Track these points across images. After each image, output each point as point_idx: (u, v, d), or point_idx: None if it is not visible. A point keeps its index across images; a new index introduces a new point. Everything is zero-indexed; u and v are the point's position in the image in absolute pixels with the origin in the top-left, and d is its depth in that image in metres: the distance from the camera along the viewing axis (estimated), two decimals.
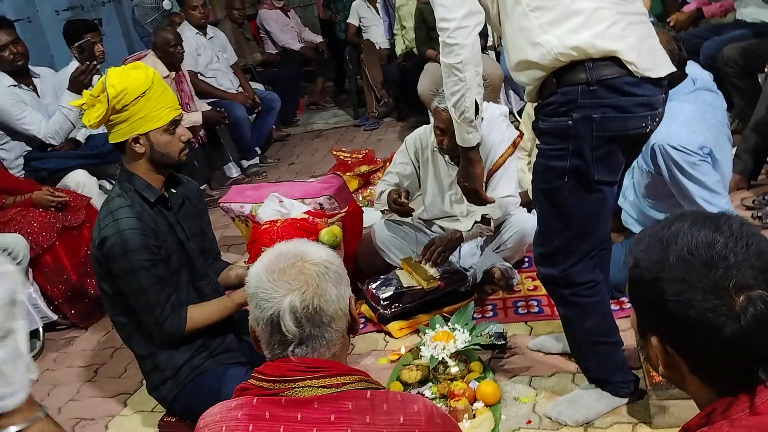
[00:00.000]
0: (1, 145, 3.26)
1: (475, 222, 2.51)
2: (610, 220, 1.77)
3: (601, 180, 1.58)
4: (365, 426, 0.97)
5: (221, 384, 1.87)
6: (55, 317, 2.89)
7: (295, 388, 1.00)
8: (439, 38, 1.59)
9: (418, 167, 2.73)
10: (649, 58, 1.54)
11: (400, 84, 5.27)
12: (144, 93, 1.81)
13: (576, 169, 1.56)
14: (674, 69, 1.63)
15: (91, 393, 2.46)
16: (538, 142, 1.66)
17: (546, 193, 1.64)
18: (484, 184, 1.90)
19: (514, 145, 2.48)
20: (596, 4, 1.49)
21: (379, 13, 5.73)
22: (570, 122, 1.53)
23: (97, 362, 2.64)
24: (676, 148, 2.07)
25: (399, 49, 5.36)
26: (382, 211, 2.81)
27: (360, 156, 4.14)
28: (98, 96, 1.84)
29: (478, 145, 1.75)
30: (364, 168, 4.00)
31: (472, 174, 1.79)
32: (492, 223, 2.53)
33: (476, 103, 1.63)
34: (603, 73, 1.49)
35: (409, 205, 2.58)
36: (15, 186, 3.02)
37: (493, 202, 1.93)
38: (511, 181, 2.55)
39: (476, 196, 1.86)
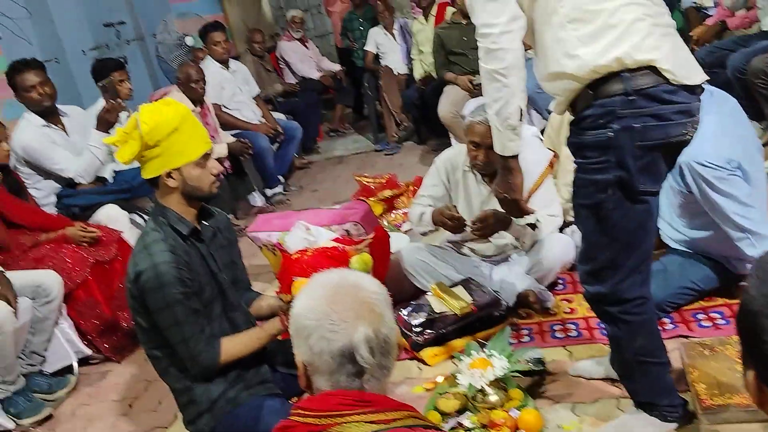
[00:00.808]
0: (34, 183, 3.31)
1: (526, 224, 2.47)
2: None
3: (645, 190, 1.56)
4: None
5: (258, 416, 1.85)
6: (89, 352, 2.91)
7: (343, 423, 0.97)
8: (480, 45, 1.56)
9: (449, 188, 2.71)
10: (684, 66, 1.54)
11: (419, 108, 5.30)
12: (176, 128, 1.83)
13: (619, 180, 1.54)
14: (707, 77, 1.62)
15: (127, 427, 2.45)
16: (575, 158, 1.63)
17: (589, 209, 1.62)
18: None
19: (551, 165, 2.46)
20: (634, 16, 1.50)
21: (396, 39, 5.78)
22: (611, 134, 1.51)
23: (131, 396, 2.64)
24: (703, 165, 2.05)
25: (417, 73, 5.40)
26: (423, 234, 2.76)
27: (383, 181, 4.14)
28: (130, 133, 1.87)
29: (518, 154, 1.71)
30: (387, 192, 4.00)
31: (512, 183, 1.73)
32: (536, 232, 2.46)
33: (520, 110, 1.60)
34: (640, 82, 1.49)
35: (462, 220, 2.52)
36: (48, 223, 3.06)
37: (534, 212, 1.87)
38: (553, 201, 2.53)
39: (516, 207, 1.79)
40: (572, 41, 1.51)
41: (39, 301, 2.73)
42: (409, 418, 1.00)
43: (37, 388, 2.70)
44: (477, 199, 2.65)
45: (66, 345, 2.84)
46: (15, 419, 2.53)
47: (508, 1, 1.53)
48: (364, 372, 1.01)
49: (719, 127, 2.11)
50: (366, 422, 0.97)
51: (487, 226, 2.43)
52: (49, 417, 2.60)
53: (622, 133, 1.50)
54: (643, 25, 1.50)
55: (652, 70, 1.50)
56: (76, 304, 2.90)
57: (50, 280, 2.75)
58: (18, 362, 2.64)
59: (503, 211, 2.26)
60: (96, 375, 2.86)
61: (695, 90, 1.56)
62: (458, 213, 2.51)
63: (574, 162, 1.65)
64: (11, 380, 2.57)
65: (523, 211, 1.82)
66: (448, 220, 2.51)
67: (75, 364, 2.84)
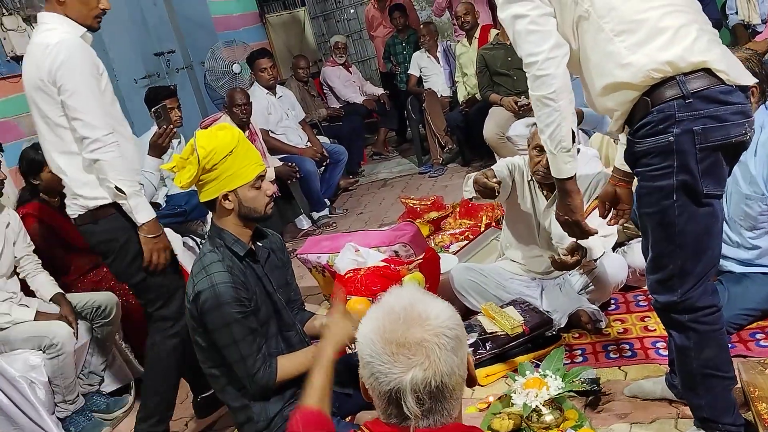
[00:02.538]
0: None
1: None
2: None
3: (709, 193, 1.56)
4: None
5: None
6: None
7: None
8: (528, 73, 1.62)
9: (514, 185, 2.66)
10: (736, 66, 1.56)
11: (463, 129, 5.31)
12: (231, 152, 1.89)
13: (684, 185, 1.54)
14: (756, 80, 1.66)
15: None
16: (636, 168, 1.63)
17: (655, 216, 1.61)
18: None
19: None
20: (680, 22, 1.53)
21: (439, 62, 5.84)
22: (671, 138, 1.52)
23: (186, 415, 2.69)
24: None
25: (461, 95, 5.42)
26: (469, 199, 2.67)
27: (429, 203, 4.16)
28: (188, 158, 1.93)
29: (575, 175, 1.73)
30: (434, 214, 4.01)
31: (572, 206, 1.76)
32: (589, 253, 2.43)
33: (572, 132, 1.64)
34: (696, 85, 1.51)
35: (495, 189, 2.42)
36: None
37: (597, 232, 1.87)
38: (605, 223, 2.49)
39: (578, 229, 1.81)
40: (622, 52, 1.54)
41: (98, 322, 2.82)
42: None
43: (96, 408, 2.77)
44: (538, 211, 2.63)
45: (124, 365, 2.92)
46: None
47: (550, 31, 1.59)
48: (410, 417, 0.98)
49: None
50: None
51: (567, 267, 2.38)
52: None
53: (682, 136, 1.51)
54: (692, 29, 1.53)
55: (707, 71, 1.51)
56: (133, 325, 2.97)
57: (109, 301, 2.85)
58: (78, 382, 2.72)
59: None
60: None
61: (747, 91, 1.57)
62: (495, 183, 2.41)
63: (635, 172, 1.65)
64: (71, 399, 2.65)
65: (585, 233, 1.82)
66: (482, 187, 2.43)
67: (132, 384, 2.91)
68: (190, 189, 2.01)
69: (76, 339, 2.67)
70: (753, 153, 2.19)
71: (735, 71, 1.54)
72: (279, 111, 4.88)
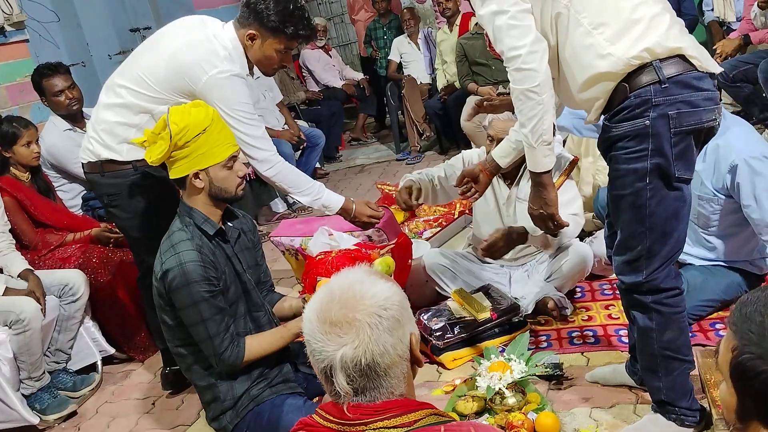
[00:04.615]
0: (61, 186, 3.38)
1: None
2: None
3: (680, 177, 1.62)
4: None
5: (280, 413, 1.89)
6: (112, 351, 2.96)
7: (366, 430, 0.98)
8: (510, 67, 1.63)
9: None
10: (705, 55, 1.63)
11: (441, 117, 5.32)
12: (204, 130, 1.88)
13: (658, 168, 1.60)
14: (721, 69, 1.71)
15: (150, 425, 2.49)
16: (611, 152, 1.67)
17: (627, 198, 1.66)
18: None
19: (571, 164, 2.45)
20: (653, 12, 1.59)
21: (419, 49, 5.83)
22: (647, 122, 1.57)
23: (153, 395, 2.68)
24: (760, 159, 2.14)
25: (440, 83, 5.43)
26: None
27: None
28: (160, 133, 1.92)
29: (551, 169, 1.76)
30: None
31: (547, 199, 1.78)
32: (560, 236, 2.46)
33: (553, 125, 1.67)
34: (671, 70, 1.57)
35: (416, 202, 2.61)
36: (74, 223, 3.14)
37: (568, 225, 1.90)
38: (575, 200, 2.54)
39: (552, 222, 1.83)
40: (601, 44, 1.59)
41: (65, 299, 2.80)
42: (430, 416, 1.02)
43: (62, 386, 2.75)
44: (500, 200, 2.67)
45: (91, 344, 2.90)
46: (40, 415, 2.58)
47: (529, 26, 1.62)
48: (345, 395, 1.00)
49: (752, 133, 2.30)
50: (389, 428, 0.98)
51: (498, 250, 2.44)
52: (74, 414, 2.65)
53: (658, 120, 1.57)
54: (665, 18, 1.60)
55: (681, 58, 1.58)
56: (101, 303, 2.96)
57: (77, 279, 2.82)
58: (44, 359, 2.70)
59: (518, 228, 2.31)
60: (119, 374, 2.91)
61: (715, 78, 1.64)
62: (416, 202, 2.57)
63: (610, 156, 1.69)
64: (37, 377, 2.63)
65: (559, 225, 1.85)
66: (405, 204, 2.58)
67: (99, 363, 2.90)
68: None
69: (44, 316, 2.64)
70: (702, 157, 2.24)
71: (705, 59, 1.61)
72: (256, 92, 4.83)
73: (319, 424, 1.03)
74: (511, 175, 2.61)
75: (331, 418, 1.02)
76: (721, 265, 2.38)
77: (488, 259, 2.75)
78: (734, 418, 0.88)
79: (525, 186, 2.51)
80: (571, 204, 2.50)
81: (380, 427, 0.98)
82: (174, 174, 1.94)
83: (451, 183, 2.68)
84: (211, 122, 1.89)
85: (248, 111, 2.22)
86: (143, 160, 2.10)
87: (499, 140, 2.44)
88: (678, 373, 1.76)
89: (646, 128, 1.57)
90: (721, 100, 2.07)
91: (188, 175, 1.91)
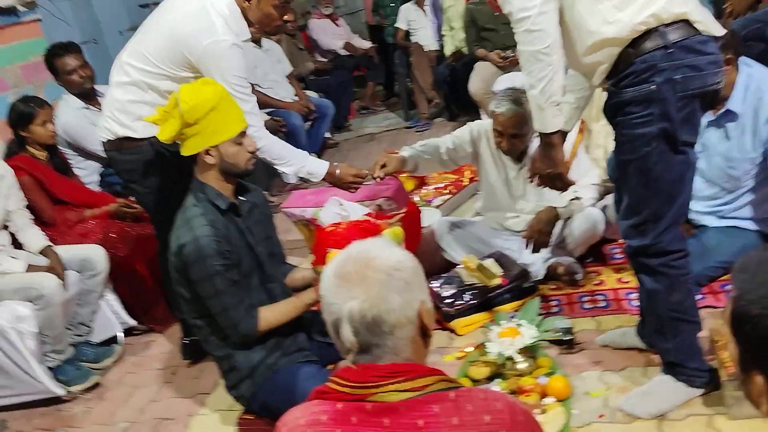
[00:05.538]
0: (77, 163, 3.43)
1: (571, 199, 2.52)
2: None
3: (686, 141, 1.63)
4: (453, 429, 0.97)
5: (295, 381, 1.94)
6: (134, 323, 3.03)
7: (379, 393, 1.01)
8: (519, 29, 1.61)
9: (478, 153, 2.71)
10: (709, 19, 1.63)
11: (450, 84, 5.28)
12: (214, 107, 1.90)
13: (664, 132, 1.61)
14: (725, 31, 1.72)
15: (171, 394, 2.57)
16: (617, 117, 1.68)
17: (634, 163, 1.67)
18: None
19: (581, 131, 2.47)
20: None
21: (427, 16, 5.76)
22: (653, 87, 1.58)
23: (174, 364, 2.76)
24: None
25: (448, 49, 5.37)
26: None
27: None
28: (171, 111, 1.94)
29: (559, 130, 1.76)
30: None
31: (555, 159, 1.77)
32: (581, 203, 2.50)
33: (563, 86, 1.67)
34: (676, 35, 1.57)
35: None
36: (92, 199, 3.19)
37: (574, 183, 1.92)
38: (592, 168, 2.56)
39: (560, 181, 1.84)
40: (609, 10, 1.59)
41: (85, 274, 2.86)
42: (440, 382, 1.04)
43: (85, 358, 2.84)
44: (511, 173, 2.67)
45: (112, 316, 2.98)
46: (65, 387, 2.67)
47: None
48: (350, 350, 1.03)
49: None
50: (400, 391, 1.01)
51: (541, 236, 2.48)
52: (97, 385, 2.74)
53: (664, 85, 1.58)
54: None
55: (685, 23, 1.58)
56: (120, 277, 3.02)
57: (96, 254, 2.88)
58: (67, 333, 2.78)
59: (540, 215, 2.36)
60: (140, 345, 2.99)
61: (718, 42, 1.65)
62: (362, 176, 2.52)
63: (616, 122, 1.69)
64: (61, 349, 2.71)
65: (566, 184, 1.86)
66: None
67: (120, 335, 2.98)
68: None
69: (65, 290, 2.71)
70: (737, 117, 2.24)
71: (709, 22, 1.61)
72: (265, 64, 4.83)
73: (334, 390, 1.06)
74: (518, 154, 2.61)
75: (344, 382, 1.05)
76: (737, 227, 2.39)
77: (498, 227, 2.77)
78: (738, 370, 0.90)
79: None
80: (589, 172, 2.52)
81: (391, 390, 1.01)
82: (186, 151, 1.96)
83: (460, 154, 2.69)
84: (220, 99, 1.91)
85: (242, 84, 2.24)
86: None
87: (509, 135, 2.49)
88: (686, 335, 1.79)
89: (652, 93, 1.58)
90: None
91: (200, 152, 1.94)
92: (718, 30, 1.63)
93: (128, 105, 2.31)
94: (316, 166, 2.44)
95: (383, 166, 2.54)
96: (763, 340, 0.81)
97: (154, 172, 2.39)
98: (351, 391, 1.03)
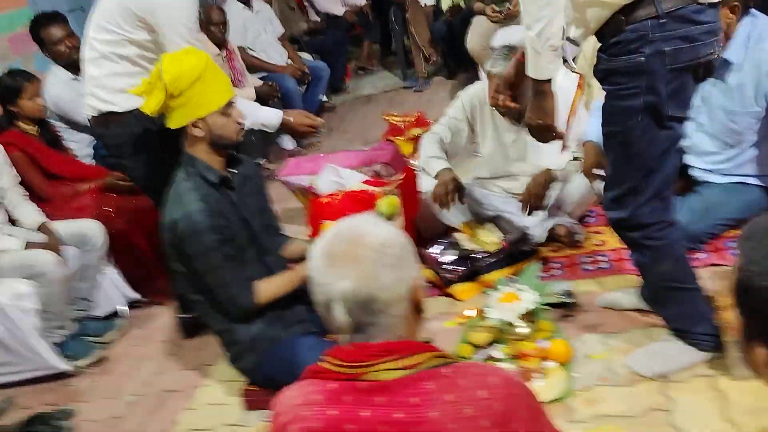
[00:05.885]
0: (70, 137, 3.37)
1: (570, 161, 2.47)
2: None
3: (673, 116, 1.57)
4: (448, 405, 0.96)
5: (297, 353, 1.94)
6: (137, 296, 3.03)
7: (371, 371, 1.00)
8: None
9: (474, 124, 2.67)
10: None
11: (447, 41, 5.17)
12: (199, 77, 1.86)
13: (650, 106, 1.55)
14: None
15: (175, 366, 2.58)
16: (604, 85, 1.62)
17: (617, 136, 1.63)
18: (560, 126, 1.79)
19: (580, 86, 2.39)
20: None
21: None
22: (642, 58, 1.51)
23: (177, 337, 2.76)
24: None
25: (445, 4, 5.22)
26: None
27: (412, 119, 4.09)
28: (155, 83, 1.89)
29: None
30: (417, 131, 3.95)
31: (545, 108, 1.66)
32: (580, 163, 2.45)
33: (562, 29, 1.55)
34: (670, 5, 1.48)
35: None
36: (86, 173, 3.16)
37: (564, 135, 1.79)
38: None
39: (549, 132, 1.73)
40: None
41: (84, 249, 2.84)
42: (433, 359, 1.03)
43: (90, 332, 2.84)
44: (508, 136, 2.61)
45: (114, 290, 2.97)
46: (71, 362, 2.68)
47: None
48: (344, 330, 1.01)
49: None
50: (393, 369, 1.00)
51: (537, 199, 2.44)
52: (103, 359, 2.75)
53: (653, 57, 1.50)
54: None
55: None
56: (120, 251, 3.00)
57: (93, 228, 2.86)
58: (69, 308, 2.78)
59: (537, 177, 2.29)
60: (144, 318, 2.99)
61: (717, 8, 1.56)
62: (454, 198, 2.50)
63: (603, 89, 1.63)
64: (64, 325, 2.72)
65: (556, 136, 1.76)
66: (442, 193, 2.49)
67: (124, 308, 2.98)
68: None
69: (65, 266, 2.70)
70: (738, 69, 2.17)
71: None
72: (256, 26, 4.71)
73: (327, 370, 1.05)
74: (517, 114, 2.54)
75: (337, 361, 1.04)
76: (741, 183, 2.34)
77: (497, 190, 2.73)
78: (742, 339, 0.88)
79: None
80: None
81: (384, 369, 1.00)
82: (172, 124, 1.92)
83: (460, 139, 2.66)
84: (204, 69, 1.86)
85: (195, 37, 2.21)
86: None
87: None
88: (684, 301, 1.76)
89: (641, 65, 1.51)
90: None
91: (187, 125, 1.89)
92: None
93: (104, 80, 2.30)
94: (271, 116, 2.42)
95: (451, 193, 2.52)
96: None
97: (142, 146, 2.36)
98: (343, 371, 1.02)
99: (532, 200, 2.44)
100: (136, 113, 2.25)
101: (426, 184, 2.85)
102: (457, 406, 0.97)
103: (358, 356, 1.02)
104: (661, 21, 1.48)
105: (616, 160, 1.67)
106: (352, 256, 1.01)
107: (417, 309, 1.08)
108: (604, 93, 1.66)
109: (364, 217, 1.12)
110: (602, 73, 1.62)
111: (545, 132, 1.73)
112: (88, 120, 2.43)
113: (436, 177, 2.54)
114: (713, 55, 1.55)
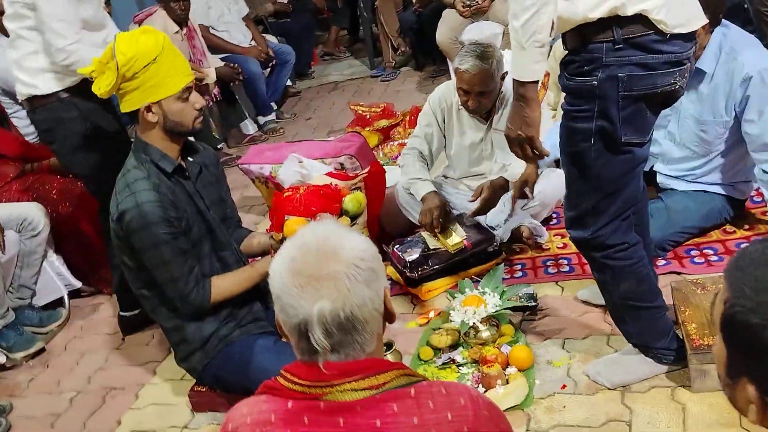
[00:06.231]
0: (15, 113, 3.19)
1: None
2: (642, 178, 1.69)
3: (628, 141, 1.51)
4: (413, 428, 0.91)
5: (251, 354, 1.86)
6: (79, 284, 2.89)
7: (333, 392, 0.94)
8: None
9: (444, 127, 2.61)
10: (680, 14, 1.45)
11: (416, 32, 5.09)
12: (155, 59, 1.74)
13: (602, 130, 1.49)
14: (706, 21, 1.56)
15: (120, 361, 2.46)
16: (563, 102, 1.57)
17: (573, 156, 1.57)
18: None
19: (543, 86, 2.35)
20: None
21: None
22: (595, 82, 1.45)
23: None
24: None
25: None
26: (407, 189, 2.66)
27: (378, 110, 4.02)
28: (107, 63, 1.77)
29: (538, 82, 1.53)
30: (383, 122, 3.89)
31: (529, 118, 1.48)
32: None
33: (551, 24, 1.39)
34: (630, 30, 1.41)
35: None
36: (32, 152, 2.99)
37: (549, 154, 1.63)
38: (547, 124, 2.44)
39: (530, 147, 1.52)
40: None
41: (25, 234, 2.69)
42: (401, 377, 0.97)
43: (28, 322, 2.69)
44: (475, 135, 2.55)
45: (56, 278, 2.83)
46: (6, 353, 2.53)
47: None
48: (321, 352, 0.94)
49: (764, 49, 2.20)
50: (357, 390, 0.94)
51: (489, 203, 2.37)
52: (42, 350, 2.61)
53: (606, 82, 1.44)
54: None
55: (644, 18, 1.41)
56: (64, 236, 2.86)
57: (36, 212, 2.70)
58: (7, 296, 2.62)
59: (498, 181, 2.26)
60: (88, 308, 2.86)
61: (691, 37, 1.48)
62: (440, 225, 2.40)
63: (561, 107, 1.58)
64: (1, 314, 2.56)
65: (539, 153, 1.55)
66: (429, 222, 2.39)
67: (66, 298, 2.83)
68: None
69: (3, 252, 2.54)
70: (709, 79, 2.16)
71: (677, 19, 1.42)
72: (220, 5, 4.54)
73: (284, 387, 0.98)
74: (485, 110, 2.49)
75: (297, 380, 0.97)
76: (704, 191, 2.35)
77: (462, 187, 2.68)
78: (724, 374, 0.83)
79: (503, 118, 2.39)
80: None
81: (348, 389, 0.94)
82: (125, 107, 1.80)
83: (436, 145, 2.60)
84: (161, 50, 1.74)
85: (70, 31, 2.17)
86: (67, 89, 2.15)
87: (475, 93, 2.37)
88: (646, 319, 1.74)
89: (593, 89, 1.45)
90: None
91: (140, 109, 1.77)
92: (692, 25, 1.47)
93: (22, 61, 2.25)
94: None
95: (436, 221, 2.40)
96: (761, 352, 0.73)
97: (71, 130, 2.28)
98: (302, 390, 0.95)
99: (481, 204, 2.37)
100: (61, 97, 2.24)
101: (391, 178, 2.79)
102: (422, 429, 0.92)
103: (320, 376, 0.95)
104: (617, 46, 1.42)
105: (572, 179, 1.61)
106: (326, 274, 0.93)
107: (387, 318, 1.02)
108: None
109: (329, 225, 1.03)
110: (563, 88, 1.57)
111: (525, 145, 1.53)
112: (21, 105, 2.38)
113: (422, 200, 2.46)
114: (674, 86, 1.48)
